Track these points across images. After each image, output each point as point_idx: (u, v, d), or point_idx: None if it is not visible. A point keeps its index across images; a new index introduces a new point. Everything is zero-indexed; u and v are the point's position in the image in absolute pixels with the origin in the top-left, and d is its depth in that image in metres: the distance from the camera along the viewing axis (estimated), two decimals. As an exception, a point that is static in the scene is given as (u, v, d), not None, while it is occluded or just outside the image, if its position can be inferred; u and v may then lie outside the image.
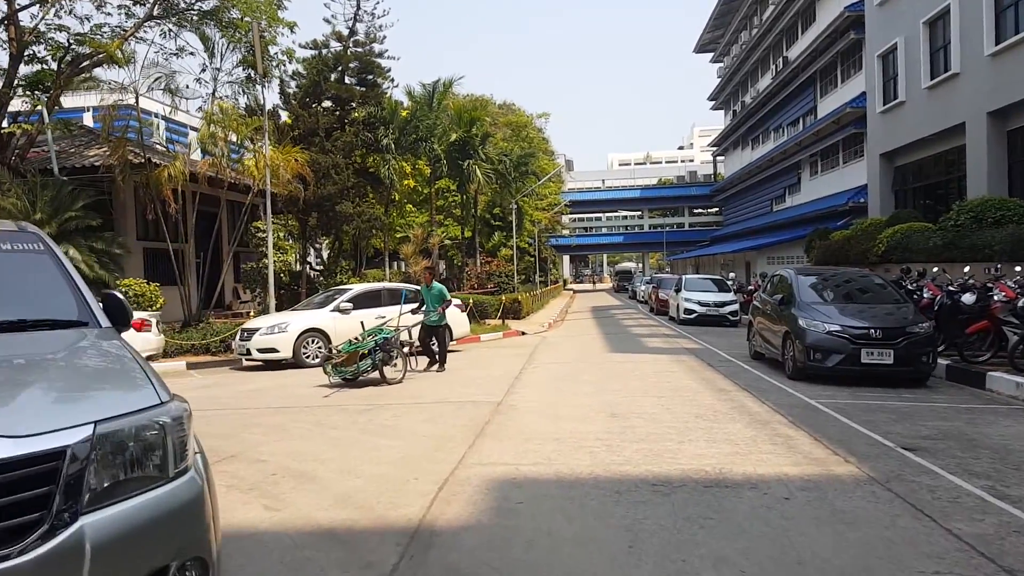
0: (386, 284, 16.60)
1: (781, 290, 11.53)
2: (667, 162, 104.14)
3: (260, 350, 13.54)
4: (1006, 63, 17.21)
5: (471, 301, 20.44)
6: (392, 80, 29.37)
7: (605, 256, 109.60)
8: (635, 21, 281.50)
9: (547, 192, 50.73)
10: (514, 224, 30.58)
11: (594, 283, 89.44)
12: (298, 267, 31.86)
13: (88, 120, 25.18)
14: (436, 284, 12.89)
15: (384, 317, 14.71)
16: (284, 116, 24.32)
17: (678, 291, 23.74)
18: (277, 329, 13.62)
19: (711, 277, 25.73)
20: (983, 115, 18.12)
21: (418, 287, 16.88)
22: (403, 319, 12.22)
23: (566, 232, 69.02)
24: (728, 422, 7.45)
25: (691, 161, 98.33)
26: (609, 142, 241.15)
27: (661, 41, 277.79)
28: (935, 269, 13.90)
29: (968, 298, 10.93)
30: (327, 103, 27.99)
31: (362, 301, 14.59)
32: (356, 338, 11.23)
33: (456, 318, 15.95)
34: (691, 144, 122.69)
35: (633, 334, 19.99)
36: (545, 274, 55.19)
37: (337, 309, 14.18)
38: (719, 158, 70.96)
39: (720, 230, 65.12)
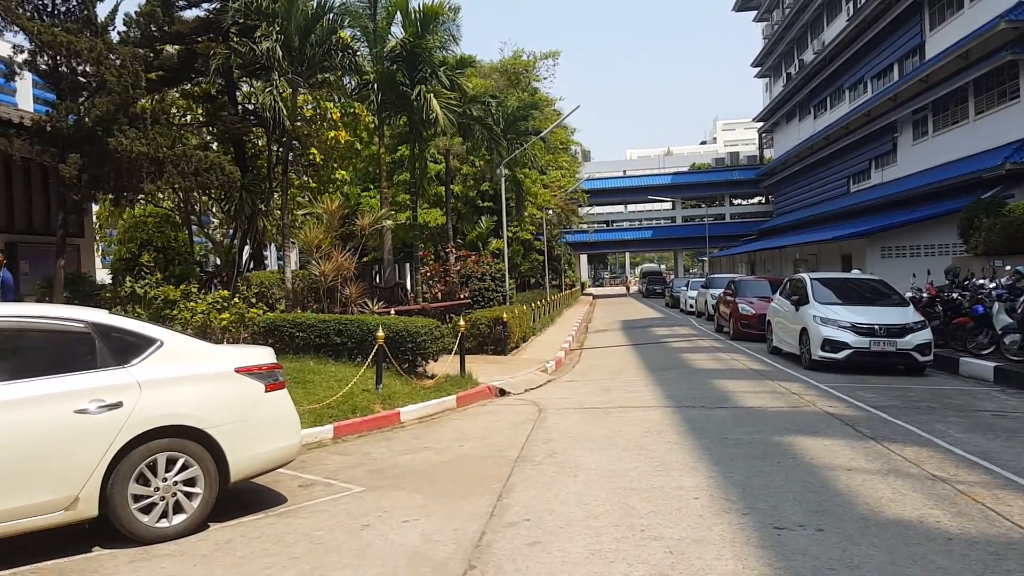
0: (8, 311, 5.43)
1: None
2: (689, 155, 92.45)
3: None
4: None
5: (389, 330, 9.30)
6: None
7: (628, 255, 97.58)
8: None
9: (559, 171, 39.55)
10: (503, 200, 19.49)
11: (628, 287, 75.93)
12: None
13: None
14: None
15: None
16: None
17: (799, 305, 12.53)
18: None
19: (860, 278, 14.09)
20: None
21: (152, 327, 6.40)
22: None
23: (584, 226, 57.47)
24: None
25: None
26: (626, 139, 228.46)
27: (682, 22, 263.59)
28: None
29: None
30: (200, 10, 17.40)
31: None
32: None
33: (251, 413, 5.04)
34: (714, 139, 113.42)
35: (762, 414, 8.83)
36: (558, 276, 44.03)
37: None
38: (765, 136, 59.65)
39: (772, 220, 53.75)
